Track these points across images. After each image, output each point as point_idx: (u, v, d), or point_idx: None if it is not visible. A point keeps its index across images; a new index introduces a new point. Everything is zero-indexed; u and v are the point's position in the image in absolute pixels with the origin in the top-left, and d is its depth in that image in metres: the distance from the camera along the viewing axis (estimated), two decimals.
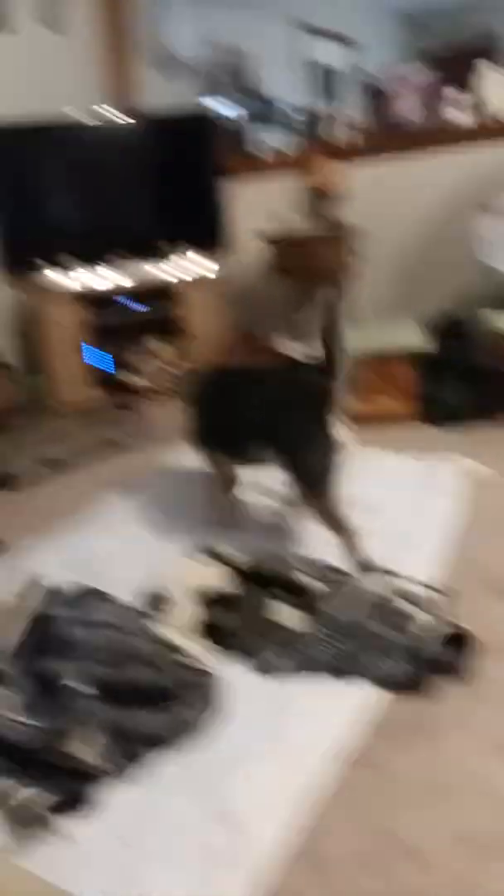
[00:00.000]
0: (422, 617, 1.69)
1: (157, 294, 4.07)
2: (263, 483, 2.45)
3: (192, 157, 4.22)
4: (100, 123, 4.09)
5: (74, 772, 1.35)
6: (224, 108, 5.60)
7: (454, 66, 4.23)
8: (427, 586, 1.84)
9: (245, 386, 2.20)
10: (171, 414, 2.65)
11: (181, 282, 4.07)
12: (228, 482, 2.39)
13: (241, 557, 1.95)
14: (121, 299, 4.02)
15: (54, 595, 1.81)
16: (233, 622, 1.73)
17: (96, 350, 3.99)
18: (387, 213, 3.84)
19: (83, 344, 3.91)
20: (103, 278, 3.98)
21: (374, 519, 2.19)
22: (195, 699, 1.50)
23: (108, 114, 4.22)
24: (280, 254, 3.86)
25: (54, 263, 3.90)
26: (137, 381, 3.83)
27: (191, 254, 4.16)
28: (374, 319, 3.90)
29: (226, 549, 2.01)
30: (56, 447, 3.20)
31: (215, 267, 4.21)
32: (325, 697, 1.55)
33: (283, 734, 1.46)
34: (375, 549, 1.95)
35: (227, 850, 1.23)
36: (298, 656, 1.63)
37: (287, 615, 1.75)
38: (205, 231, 4.25)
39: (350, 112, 4.65)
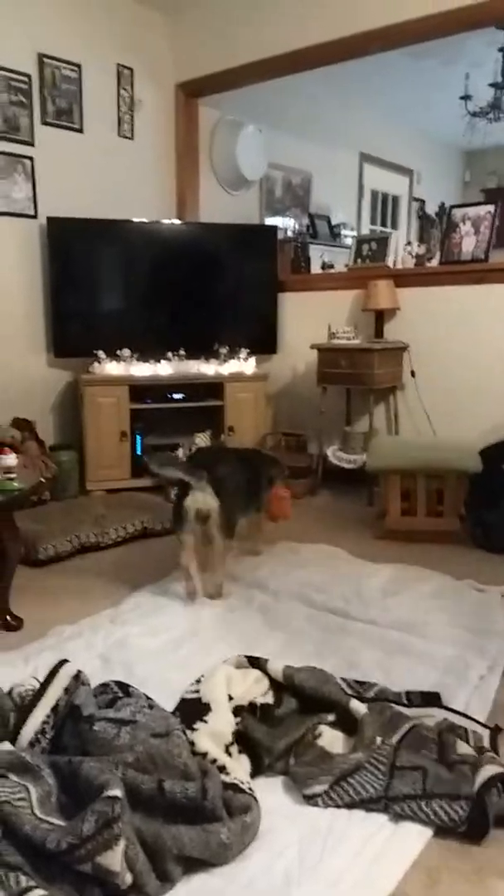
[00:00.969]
0: (470, 753, 1.61)
1: (203, 388, 4.21)
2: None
3: (253, 267, 4.45)
4: (169, 228, 4.35)
5: (98, 882, 1.27)
6: (286, 225, 5.90)
7: None
8: (477, 721, 1.76)
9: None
10: None
11: (228, 378, 4.20)
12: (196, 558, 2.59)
13: (281, 667, 1.89)
14: (166, 390, 4.15)
15: (84, 686, 1.76)
16: (272, 740, 1.66)
17: (136, 435, 4.08)
18: (440, 335, 3.93)
19: (124, 429, 3.99)
20: (153, 369, 4.11)
21: (426, 644, 2.15)
22: (232, 818, 1.42)
23: (177, 221, 4.48)
24: (328, 361, 3.98)
25: (106, 351, 4.05)
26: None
27: (242, 355, 4.30)
28: (426, 436, 3.94)
29: (266, 658, 1.96)
30: (87, 528, 3.17)
31: (263, 369, 4.36)
32: (368, 829, 1.44)
33: (322, 866, 1.36)
34: (424, 676, 1.89)
35: None
36: (342, 784, 1.54)
37: (330, 738, 1.68)
38: (258, 336, 4.44)
39: (407, 238, 4.85)
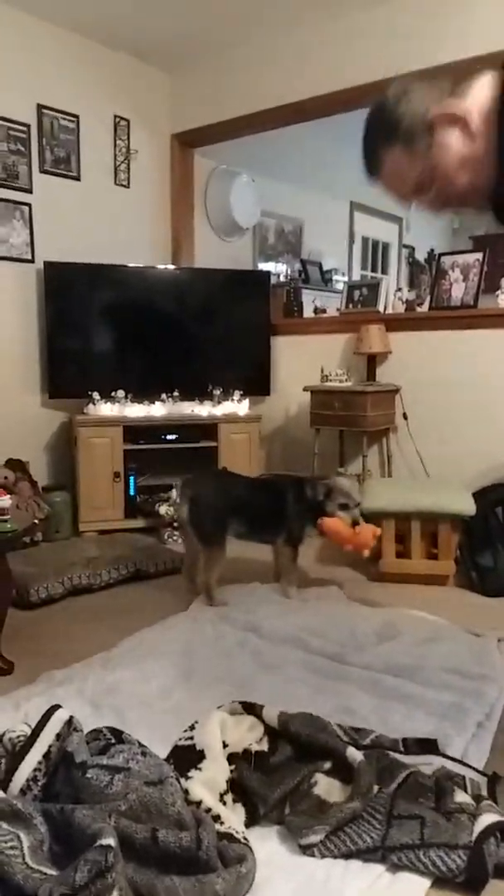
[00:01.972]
0: (468, 802, 1.59)
1: (196, 429, 4.24)
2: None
3: (246, 311, 4.51)
4: (164, 273, 4.41)
5: None
6: (279, 271, 6.00)
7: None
8: (475, 769, 1.74)
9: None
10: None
11: (222, 419, 4.23)
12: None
13: (276, 713, 1.87)
14: (160, 431, 4.17)
15: (77, 732, 1.71)
16: (267, 788, 1.62)
17: (130, 476, 4.08)
18: (431, 378, 3.98)
19: (118, 470, 4.00)
20: (147, 410, 4.14)
21: (422, 689, 2.13)
22: (227, 869, 1.39)
23: (171, 266, 4.55)
24: (321, 403, 4.01)
25: (101, 392, 4.08)
26: (167, 510, 3.89)
27: (236, 396, 4.33)
28: (419, 478, 3.96)
29: (261, 705, 1.93)
30: (80, 569, 3.15)
31: (257, 411, 4.41)
32: (365, 880, 1.41)
33: None
34: (420, 722, 1.87)
35: None
36: (338, 834, 1.51)
37: (326, 786, 1.65)
38: (252, 378, 4.49)
39: (396, 283, 4.94)
